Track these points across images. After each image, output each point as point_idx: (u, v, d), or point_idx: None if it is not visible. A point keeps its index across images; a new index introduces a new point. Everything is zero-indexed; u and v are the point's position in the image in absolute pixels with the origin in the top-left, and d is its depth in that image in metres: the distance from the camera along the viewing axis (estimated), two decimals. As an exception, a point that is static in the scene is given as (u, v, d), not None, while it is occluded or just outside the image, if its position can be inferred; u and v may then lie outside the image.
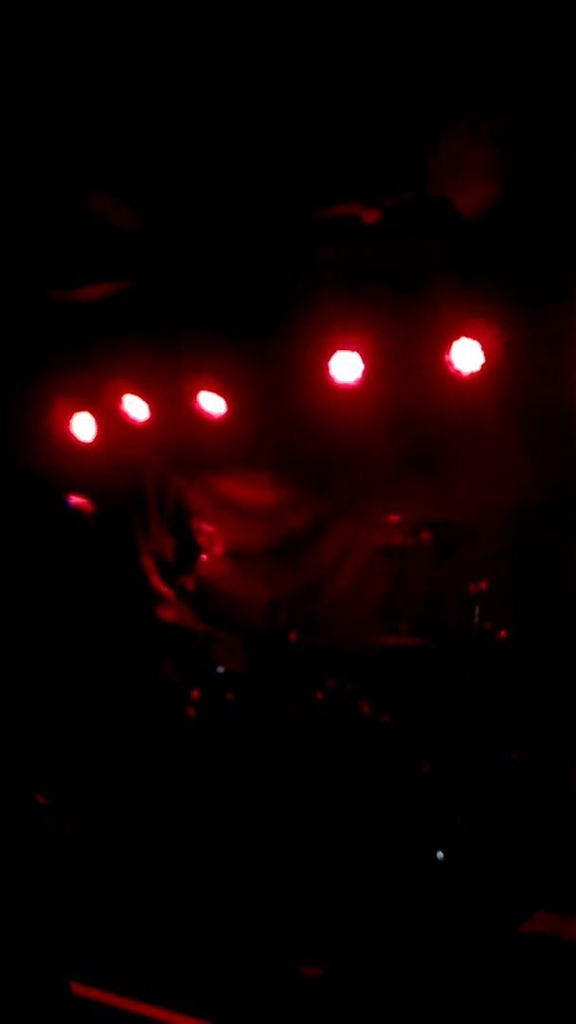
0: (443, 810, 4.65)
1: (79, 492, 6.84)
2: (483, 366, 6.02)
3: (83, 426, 7.49)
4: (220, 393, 6.99)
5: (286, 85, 4.66)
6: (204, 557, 6.35)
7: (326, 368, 6.44)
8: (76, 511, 6.61)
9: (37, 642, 5.80)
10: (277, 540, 6.95)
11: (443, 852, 4.47)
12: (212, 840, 4.64)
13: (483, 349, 6.01)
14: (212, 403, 7.02)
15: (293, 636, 5.42)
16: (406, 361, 6.28)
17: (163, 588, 5.61)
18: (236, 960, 3.75)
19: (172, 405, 7.13)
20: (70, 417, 7.50)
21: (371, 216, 5.65)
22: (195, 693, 5.52)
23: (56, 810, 4.78)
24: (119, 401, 7.26)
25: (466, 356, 6.04)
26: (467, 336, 6.02)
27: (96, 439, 7.46)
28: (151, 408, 7.23)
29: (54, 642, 5.80)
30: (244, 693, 5.49)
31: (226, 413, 7.01)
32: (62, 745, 5.16)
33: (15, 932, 2.87)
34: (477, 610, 5.17)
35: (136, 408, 7.26)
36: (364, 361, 6.37)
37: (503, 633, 5.17)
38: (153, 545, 5.76)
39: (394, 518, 5.67)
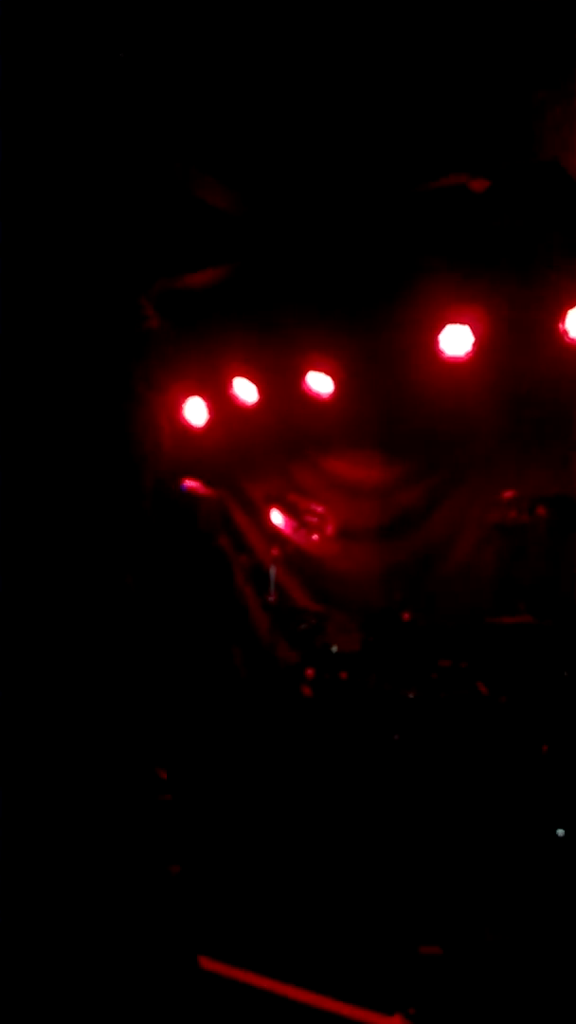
0: (562, 791, 4.55)
1: (193, 476, 6.98)
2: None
3: (195, 410, 7.61)
4: (328, 372, 6.98)
5: (390, 55, 4.57)
6: (316, 537, 6.37)
7: (435, 342, 6.33)
8: (190, 494, 6.74)
9: (160, 624, 5.95)
10: (388, 518, 6.90)
11: (563, 831, 4.37)
12: (330, 818, 4.68)
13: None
14: (321, 383, 7.01)
15: (407, 615, 5.38)
16: (518, 332, 6.10)
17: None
18: (357, 938, 3.78)
19: (281, 387, 7.15)
20: (183, 402, 7.63)
21: (479, 185, 5.49)
22: (310, 672, 5.56)
23: (175, 785, 4.92)
24: (229, 385, 7.34)
25: (582, 325, 5.83)
26: (582, 304, 5.81)
27: (208, 423, 7.57)
28: (261, 390, 7.28)
29: (175, 623, 5.94)
30: (359, 672, 5.49)
31: (334, 392, 6.99)
32: (181, 724, 5.29)
33: (142, 907, 2.97)
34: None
35: (246, 391, 7.32)
36: (474, 333, 6.23)
37: (625, 611, 4.99)
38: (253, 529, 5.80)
39: (508, 494, 5.55)
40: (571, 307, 5.84)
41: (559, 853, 4.31)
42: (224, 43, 4.58)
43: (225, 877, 4.18)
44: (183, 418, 7.61)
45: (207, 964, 3.31)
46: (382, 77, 4.75)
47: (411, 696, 5.09)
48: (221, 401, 7.42)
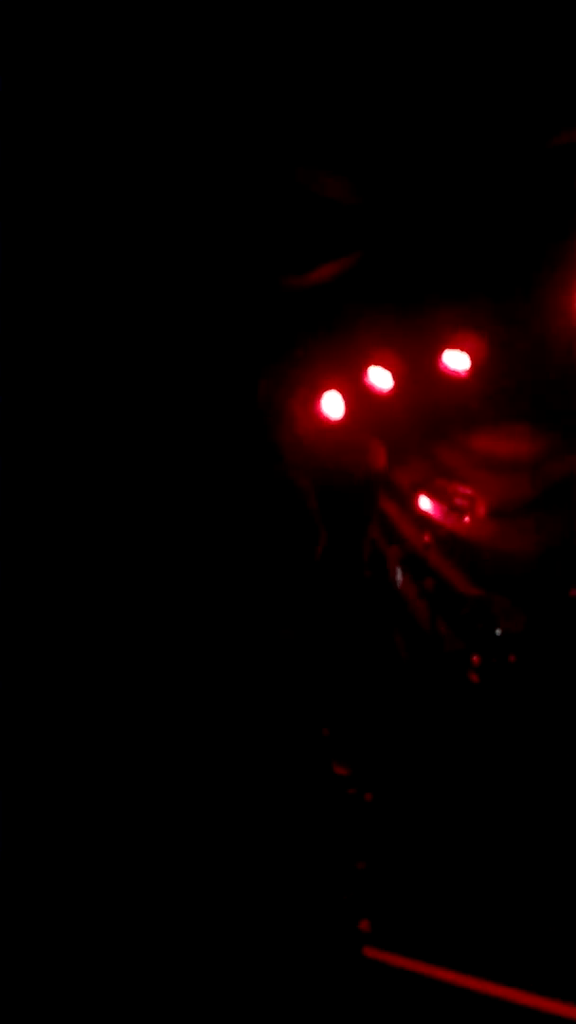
0: None
1: (335, 468, 6.97)
2: None
3: (332, 403, 7.60)
4: (464, 348, 6.80)
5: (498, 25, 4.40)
6: (467, 519, 6.24)
7: None
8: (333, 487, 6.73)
9: (325, 619, 5.98)
10: (541, 492, 6.67)
11: None
12: (510, 807, 4.57)
13: None
14: (458, 361, 6.85)
15: (573, 591, 5.18)
16: None
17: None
18: (552, 934, 3.69)
19: (416, 370, 7.03)
20: (319, 396, 7.63)
21: (605, 135, 5.21)
22: (475, 658, 5.46)
23: (356, 780, 4.93)
24: (364, 374, 7.29)
25: None
26: None
27: (345, 415, 7.54)
28: (397, 377, 7.18)
29: (328, 619, 5.96)
30: (526, 654, 5.34)
31: (472, 368, 6.81)
32: (355, 718, 5.30)
33: (315, 897, 3.00)
34: None
35: (382, 379, 7.25)
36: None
37: None
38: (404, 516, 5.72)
39: None
40: None
41: None
42: (335, 35, 4.52)
43: (418, 872, 4.16)
44: (320, 413, 7.61)
45: (408, 963, 3.31)
46: (499, 45, 4.58)
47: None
48: (357, 392, 7.38)
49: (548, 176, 5.68)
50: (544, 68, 4.81)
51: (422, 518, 6.82)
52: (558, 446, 6.67)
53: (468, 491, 6.34)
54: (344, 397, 7.52)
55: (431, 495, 6.75)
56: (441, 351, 6.85)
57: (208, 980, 2.96)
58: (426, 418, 7.13)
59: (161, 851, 3.33)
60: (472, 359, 6.77)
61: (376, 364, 7.23)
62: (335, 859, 3.23)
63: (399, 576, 6.06)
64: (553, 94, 5.02)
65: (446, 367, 6.87)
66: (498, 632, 5.72)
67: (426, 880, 4.09)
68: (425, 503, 6.78)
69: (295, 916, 3.00)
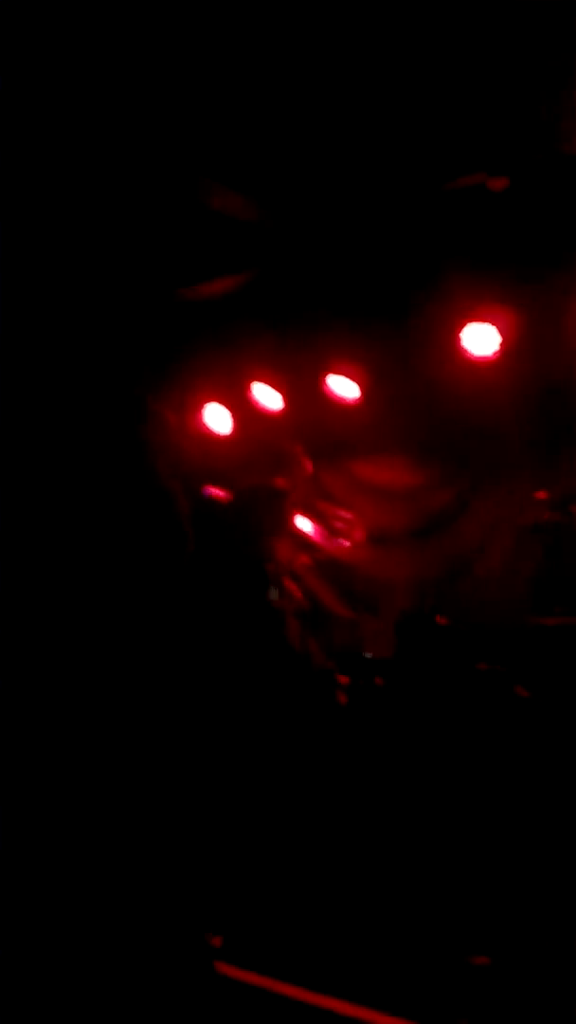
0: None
1: (217, 484, 6.94)
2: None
3: (219, 419, 7.59)
4: (352, 377, 6.93)
5: (408, 55, 4.53)
6: (345, 543, 6.33)
7: (460, 342, 6.26)
8: (215, 503, 6.71)
9: (182, 636, 5.91)
10: (419, 522, 6.85)
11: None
12: (372, 826, 4.62)
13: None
14: (344, 387, 6.96)
15: (442, 619, 5.32)
16: (546, 330, 6.02)
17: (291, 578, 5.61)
18: (405, 951, 3.73)
19: (305, 392, 7.11)
20: (206, 411, 7.61)
21: (497, 184, 5.44)
22: (344, 679, 5.51)
23: (205, 794, 4.86)
24: (252, 392, 7.31)
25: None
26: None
27: (233, 431, 7.54)
28: (284, 397, 7.25)
29: (199, 635, 5.90)
30: (394, 678, 5.43)
31: (360, 397, 6.94)
32: (217, 734, 5.25)
33: (161, 913, 2.93)
34: None
35: (269, 398, 7.29)
36: (501, 333, 6.16)
37: None
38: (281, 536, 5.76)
39: (541, 494, 5.47)
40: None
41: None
42: (233, 47, 4.56)
43: (275, 886, 4.14)
44: (206, 427, 7.59)
45: (257, 979, 3.27)
46: (399, 78, 4.71)
47: (448, 701, 5.02)
48: (244, 408, 7.39)
49: (439, 216, 5.90)
50: (449, 111, 4.99)
51: (301, 539, 6.87)
52: (437, 479, 6.87)
53: (348, 515, 6.43)
54: (231, 413, 7.53)
55: (311, 517, 6.81)
56: (328, 376, 6.96)
57: (45, 1000, 2.83)
58: (311, 441, 7.20)
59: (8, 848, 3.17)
60: (359, 387, 6.90)
61: (264, 382, 7.27)
62: (184, 872, 3.16)
63: (274, 594, 6.07)
64: (455, 138, 5.21)
65: (333, 392, 6.98)
66: (368, 655, 5.80)
67: (281, 896, 4.07)
68: (305, 524, 6.83)
69: (142, 928, 2.92)
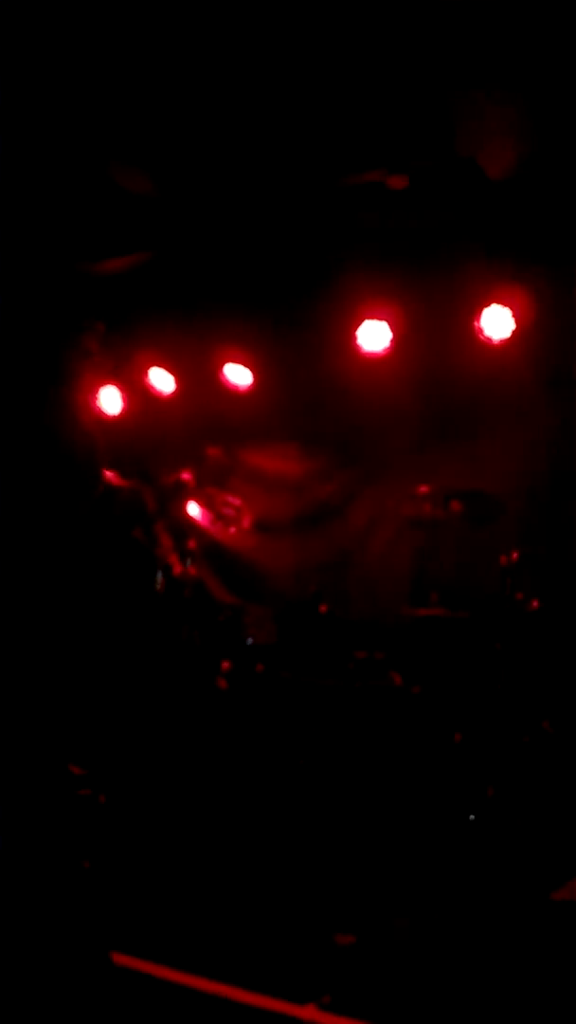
0: (474, 779, 4.65)
1: (106, 466, 6.84)
2: (514, 332, 5.92)
3: (110, 399, 7.47)
4: (246, 364, 6.95)
5: (310, 49, 4.57)
6: (232, 529, 6.35)
7: (353, 337, 6.36)
8: (105, 485, 6.61)
9: (67, 616, 5.82)
10: (305, 511, 6.93)
11: (474, 816, 4.46)
12: (245, 810, 4.67)
13: (514, 315, 5.90)
14: (238, 375, 6.98)
15: (323, 607, 5.41)
16: (435, 329, 6.19)
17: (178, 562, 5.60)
18: (271, 930, 3.78)
19: (198, 377, 7.09)
20: (97, 390, 7.48)
21: (398, 182, 5.55)
22: (225, 665, 5.54)
23: (92, 780, 4.83)
24: (145, 374, 7.24)
25: (496, 323, 5.94)
26: (497, 302, 5.92)
27: (123, 412, 7.45)
28: (177, 381, 7.21)
29: (84, 616, 5.82)
30: (274, 664, 5.50)
31: (252, 384, 6.97)
32: (98, 718, 5.20)
33: (52, 902, 2.90)
34: (508, 580, 5.12)
35: (162, 381, 7.24)
36: (392, 330, 6.29)
37: (535, 603, 5.13)
38: (169, 520, 5.75)
39: (423, 488, 5.63)
40: (485, 305, 5.95)
41: (471, 838, 4.40)
42: (145, 31, 4.51)
43: (140, 870, 4.13)
44: (97, 407, 7.47)
45: (120, 959, 3.26)
46: (304, 72, 4.75)
47: (326, 687, 5.12)
48: (137, 390, 7.31)
49: (338, 210, 5.97)
50: (354, 109, 5.06)
51: (189, 524, 6.86)
52: (324, 469, 6.96)
53: (236, 502, 6.45)
54: (123, 394, 7.43)
55: (200, 502, 6.80)
56: (223, 364, 6.96)
57: None
58: (204, 426, 7.21)
59: None
60: (253, 375, 6.92)
61: (159, 366, 7.21)
62: (63, 859, 3.13)
63: (159, 577, 6.04)
64: (359, 136, 5.29)
65: (227, 380, 6.98)
66: (250, 641, 5.85)
67: (163, 882, 4.07)
68: (193, 509, 6.82)
69: (22, 918, 2.88)
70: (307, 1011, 3.18)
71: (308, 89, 4.88)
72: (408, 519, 5.77)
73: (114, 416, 7.45)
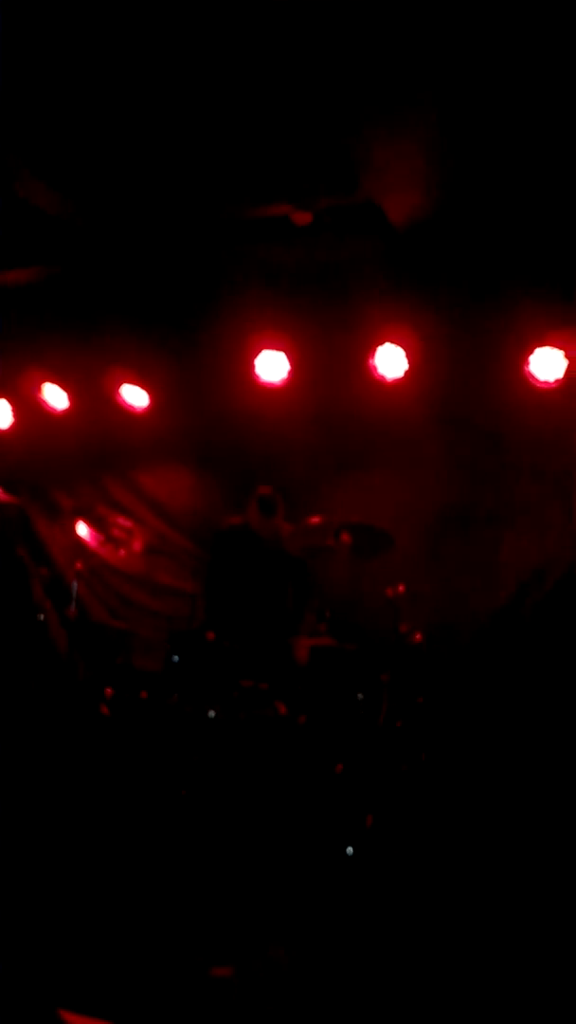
0: (354, 809, 4.71)
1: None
2: (407, 372, 6.11)
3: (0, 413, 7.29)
4: (142, 386, 6.90)
5: (218, 84, 4.63)
6: (122, 552, 6.26)
7: (251, 366, 6.42)
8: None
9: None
10: (198, 538, 6.91)
11: (352, 849, 4.51)
12: (123, 838, 4.58)
13: (407, 355, 6.09)
14: (134, 396, 6.92)
15: (211, 635, 5.38)
16: (331, 363, 6.31)
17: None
18: (146, 964, 3.72)
19: (93, 396, 7.00)
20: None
21: (302, 218, 5.66)
22: (109, 691, 5.44)
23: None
24: (38, 389, 7.10)
25: (390, 361, 6.12)
26: (391, 341, 6.10)
27: (13, 426, 7.27)
28: (70, 398, 7.09)
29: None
30: (159, 692, 5.43)
31: (148, 407, 6.92)
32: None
33: None
34: (395, 613, 5.23)
35: (55, 397, 7.11)
36: (290, 361, 6.38)
37: (418, 636, 5.25)
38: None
39: (315, 520, 5.70)
40: (380, 344, 6.11)
41: (348, 871, 4.45)
42: (53, 53, 4.47)
43: (11, 901, 3.99)
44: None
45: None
46: (214, 109, 4.81)
47: (211, 716, 5.09)
48: (28, 406, 7.15)
49: (239, 241, 6.05)
50: (251, 148, 5.14)
51: (77, 544, 6.72)
52: (217, 497, 6.95)
53: (128, 524, 6.36)
54: (13, 408, 7.26)
55: (90, 523, 6.67)
56: (120, 384, 6.89)
57: None
58: (98, 446, 7.11)
59: None
60: (149, 397, 6.88)
61: (53, 382, 7.08)
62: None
63: (43, 599, 5.89)
64: (262, 170, 5.38)
65: (123, 400, 6.92)
66: (135, 667, 5.76)
67: (33, 914, 3.94)
68: (82, 529, 6.69)
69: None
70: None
71: (219, 120, 4.94)
72: (300, 549, 5.82)
73: (2, 430, 7.26)
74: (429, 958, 3.77)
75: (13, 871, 4.19)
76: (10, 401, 7.25)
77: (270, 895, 4.29)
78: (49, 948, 3.70)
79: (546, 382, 5.80)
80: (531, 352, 5.81)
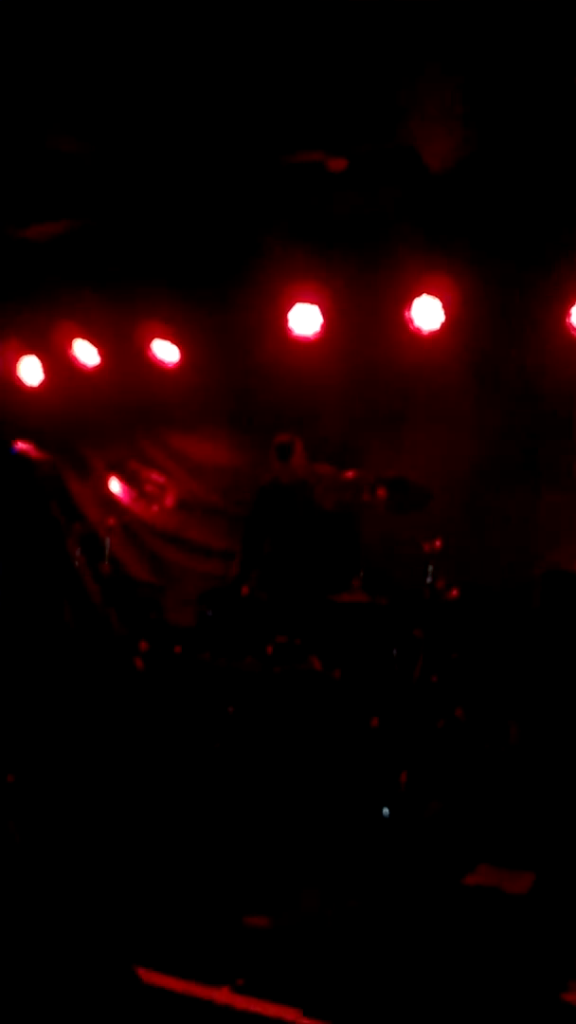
0: (389, 765, 4.69)
1: (25, 438, 6.64)
2: (443, 324, 5.99)
3: (30, 369, 7.26)
4: (174, 341, 6.83)
5: (254, 30, 4.50)
6: (155, 508, 6.24)
7: (285, 320, 6.33)
8: (21, 457, 6.42)
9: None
10: (230, 492, 6.87)
11: (389, 808, 4.50)
12: (159, 793, 4.61)
13: (444, 307, 5.97)
14: (166, 351, 6.86)
15: (245, 589, 5.37)
16: (366, 316, 6.21)
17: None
18: (182, 913, 3.74)
19: (124, 352, 6.94)
20: (17, 360, 7.26)
21: (337, 165, 5.53)
22: (143, 645, 5.45)
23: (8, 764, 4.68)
24: (68, 345, 7.06)
25: (427, 313, 6.00)
26: (428, 293, 5.97)
27: (44, 383, 7.25)
28: (102, 354, 7.04)
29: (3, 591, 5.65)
30: (193, 646, 5.43)
31: (180, 362, 6.86)
32: (8, 699, 5.05)
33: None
34: (430, 568, 5.17)
35: (86, 353, 7.06)
36: (323, 315, 6.28)
37: (455, 592, 5.19)
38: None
39: (350, 474, 5.63)
40: (417, 295, 5.99)
41: (384, 829, 4.44)
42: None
43: (58, 854, 4.03)
44: (16, 377, 7.24)
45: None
46: (251, 55, 4.69)
47: (242, 668, 5.09)
48: (59, 362, 7.12)
49: (275, 189, 5.93)
50: (285, 93, 5.02)
51: (110, 500, 6.71)
52: (251, 453, 6.89)
53: (160, 479, 6.33)
54: (44, 365, 7.22)
55: (122, 478, 6.66)
56: (151, 339, 6.83)
57: None
58: (129, 402, 7.06)
59: None
60: (181, 353, 6.81)
61: (83, 338, 7.03)
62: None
63: (77, 554, 5.89)
64: (295, 116, 5.24)
65: (155, 356, 6.86)
66: (169, 623, 5.77)
67: (79, 864, 3.98)
68: (115, 485, 6.68)
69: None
70: (221, 994, 3.16)
71: (251, 66, 4.82)
72: (334, 504, 5.77)
73: (34, 387, 7.24)
74: (461, 921, 3.76)
75: (55, 825, 4.23)
76: (40, 358, 7.22)
77: (305, 848, 4.30)
78: (97, 892, 3.74)
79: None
80: (573, 304, 5.67)
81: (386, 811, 4.51)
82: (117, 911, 3.62)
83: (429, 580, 5.17)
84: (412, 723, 4.90)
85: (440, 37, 4.52)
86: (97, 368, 7.05)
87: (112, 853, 4.11)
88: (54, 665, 5.13)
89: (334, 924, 3.70)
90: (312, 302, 6.28)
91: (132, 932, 3.48)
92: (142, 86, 5.04)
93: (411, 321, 6.02)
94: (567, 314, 5.68)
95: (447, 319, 5.97)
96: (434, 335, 6.02)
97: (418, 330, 6.04)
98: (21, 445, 6.45)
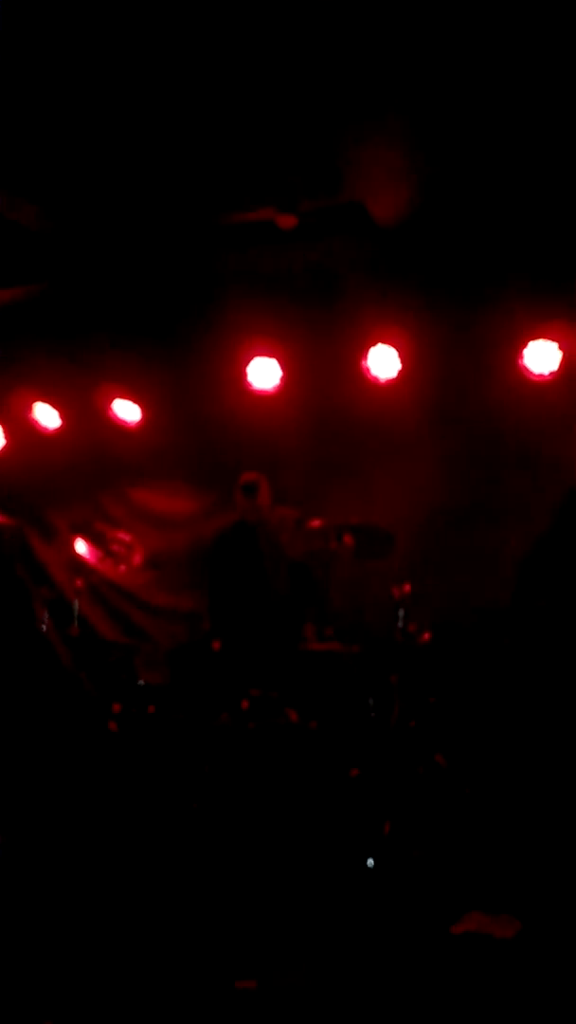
0: (371, 815, 4.63)
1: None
2: (400, 372, 6.08)
3: (-9, 434, 7.24)
4: (134, 400, 6.86)
5: (197, 88, 4.61)
6: (122, 567, 6.20)
7: (243, 374, 6.39)
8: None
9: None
10: (197, 548, 6.83)
11: (373, 859, 4.44)
12: (138, 854, 4.50)
13: (400, 355, 6.07)
14: (127, 410, 6.88)
15: (216, 645, 5.32)
16: (324, 367, 6.29)
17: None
18: (168, 976, 3.64)
19: (85, 413, 6.96)
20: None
21: (287, 222, 5.64)
22: (116, 707, 5.37)
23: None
24: (29, 409, 7.06)
25: (383, 362, 6.09)
26: (384, 342, 6.07)
27: (5, 448, 7.22)
28: (62, 416, 7.05)
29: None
30: (167, 705, 5.36)
31: (141, 421, 6.88)
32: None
33: None
34: (401, 613, 5.17)
35: (47, 416, 7.07)
36: (282, 367, 6.35)
37: (427, 636, 5.19)
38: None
39: (316, 523, 5.64)
40: (372, 345, 6.09)
41: (369, 881, 4.37)
42: (30, 64, 4.46)
43: (32, 915, 3.91)
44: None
45: None
46: (195, 115, 4.79)
47: (217, 724, 5.02)
48: (20, 426, 7.11)
49: (226, 247, 6.03)
50: (235, 153, 5.13)
51: (76, 562, 6.66)
52: (216, 506, 6.90)
53: (127, 538, 6.30)
54: (4, 429, 7.21)
55: (88, 539, 6.62)
56: (112, 399, 6.86)
57: None
58: (92, 463, 7.06)
59: None
60: (142, 412, 6.84)
61: (44, 401, 7.04)
62: None
63: (45, 618, 5.82)
64: (245, 175, 5.36)
65: (116, 416, 6.88)
66: (141, 682, 5.69)
67: (53, 929, 3.87)
68: (81, 547, 6.63)
69: None
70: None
71: (199, 129, 4.93)
72: (302, 553, 5.77)
73: (-4, 451, 7.22)
74: (453, 971, 3.69)
75: (32, 888, 4.12)
76: (1, 423, 7.21)
77: (292, 904, 4.22)
78: (77, 965, 3.63)
79: (541, 375, 5.79)
80: (525, 346, 5.79)
81: (371, 862, 4.44)
82: (101, 975, 3.52)
83: (400, 624, 5.17)
84: (392, 771, 4.86)
85: (381, 94, 4.66)
86: (58, 430, 7.05)
87: (97, 918, 4.00)
88: (27, 729, 5.03)
89: (322, 984, 3.62)
90: (270, 355, 6.36)
91: (122, 995, 3.39)
92: (90, 147, 5.12)
93: (368, 370, 6.11)
94: (519, 356, 5.80)
95: (403, 367, 6.06)
96: (391, 383, 6.11)
97: (376, 379, 6.12)
98: (-16, 511, 6.41)
